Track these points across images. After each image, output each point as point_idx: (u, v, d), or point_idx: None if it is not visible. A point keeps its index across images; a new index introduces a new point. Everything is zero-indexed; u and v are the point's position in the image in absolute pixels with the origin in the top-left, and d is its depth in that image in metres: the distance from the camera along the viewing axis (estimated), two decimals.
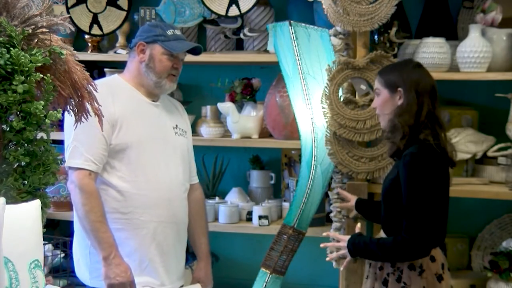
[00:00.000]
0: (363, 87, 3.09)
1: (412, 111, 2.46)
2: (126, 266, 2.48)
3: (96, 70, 3.79)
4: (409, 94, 2.47)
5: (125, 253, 2.54)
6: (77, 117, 1.66)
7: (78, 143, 2.52)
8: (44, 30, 1.52)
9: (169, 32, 2.69)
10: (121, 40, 3.84)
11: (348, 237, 2.62)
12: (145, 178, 2.61)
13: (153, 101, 2.73)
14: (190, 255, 3.79)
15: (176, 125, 2.79)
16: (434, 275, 2.47)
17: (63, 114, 1.63)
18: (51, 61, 1.51)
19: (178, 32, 2.74)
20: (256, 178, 3.83)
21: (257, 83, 3.69)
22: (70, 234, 2.94)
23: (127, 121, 2.61)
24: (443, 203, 2.47)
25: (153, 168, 2.63)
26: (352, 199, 2.98)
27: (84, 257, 2.65)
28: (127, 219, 2.59)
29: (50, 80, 1.49)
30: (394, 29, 3.19)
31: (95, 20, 3.71)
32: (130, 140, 2.59)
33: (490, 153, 3.21)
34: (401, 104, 2.49)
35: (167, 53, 2.67)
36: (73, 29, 1.67)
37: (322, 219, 3.55)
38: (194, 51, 2.79)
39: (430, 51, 3.11)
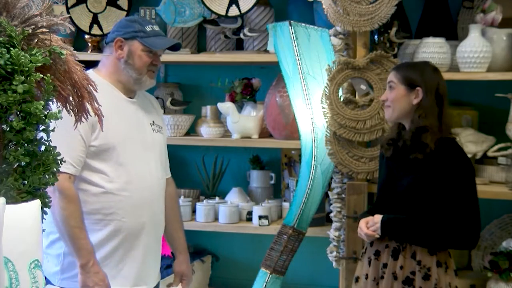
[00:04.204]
0: (363, 87, 3.09)
1: (435, 113, 2.52)
2: (103, 274, 2.43)
3: None
4: (429, 96, 2.52)
5: (105, 254, 2.51)
6: (77, 117, 1.65)
7: (57, 145, 2.44)
8: (44, 30, 1.51)
9: (148, 28, 2.62)
10: None
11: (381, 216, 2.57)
12: (128, 179, 2.55)
13: (130, 97, 2.66)
14: (190, 256, 3.79)
15: (153, 122, 2.72)
16: (453, 270, 2.53)
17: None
18: (51, 61, 1.50)
19: (156, 28, 2.67)
20: (256, 178, 3.83)
21: (257, 83, 3.69)
22: None
23: (107, 121, 2.44)
24: None
25: (134, 167, 2.57)
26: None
27: (56, 256, 2.55)
28: (110, 220, 2.52)
29: (50, 80, 1.49)
30: (394, 29, 3.19)
31: (95, 20, 3.71)
32: (111, 141, 2.52)
33: (490, 153, 3.21)
34: (417, 103, 2.53)
35: (146, 49, 2.60)
36: (73, 29, 1.67)
37: (322, 219, 3.55)
38: (174, 47, 2.75)
39: (430, 51, 3.11)
